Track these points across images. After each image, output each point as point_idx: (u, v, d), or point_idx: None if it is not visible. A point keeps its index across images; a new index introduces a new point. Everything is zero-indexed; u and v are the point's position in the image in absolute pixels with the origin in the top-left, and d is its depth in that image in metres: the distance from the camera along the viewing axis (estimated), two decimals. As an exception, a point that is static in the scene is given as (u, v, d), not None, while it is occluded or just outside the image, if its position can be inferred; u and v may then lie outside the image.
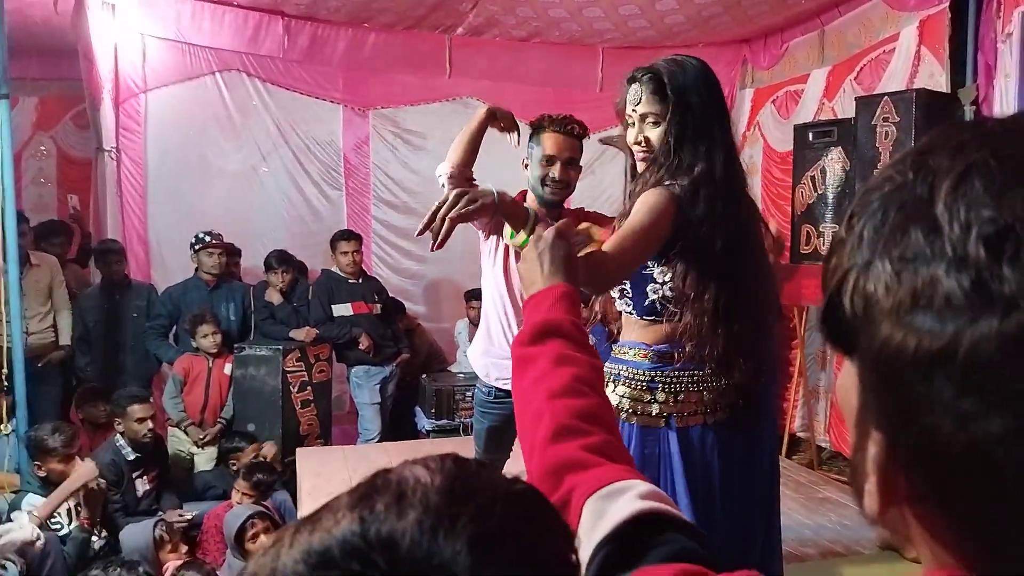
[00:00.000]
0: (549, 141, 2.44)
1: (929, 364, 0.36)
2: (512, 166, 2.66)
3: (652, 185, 1.70)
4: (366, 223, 5.83)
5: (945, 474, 0.37)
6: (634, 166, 1.84)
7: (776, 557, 1.91)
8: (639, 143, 1.76)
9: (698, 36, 5.55)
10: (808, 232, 4.48)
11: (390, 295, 5.16)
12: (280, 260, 4.76)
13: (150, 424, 3.81)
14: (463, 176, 2.38)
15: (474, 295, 4.99)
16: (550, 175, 2.43)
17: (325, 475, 3.88)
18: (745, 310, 1.72)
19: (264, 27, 5.50)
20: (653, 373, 1.76)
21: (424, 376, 5.08)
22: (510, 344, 2.55)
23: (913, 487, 0.40)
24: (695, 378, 1.75)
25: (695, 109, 1.71)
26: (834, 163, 4.31)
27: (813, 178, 4.44)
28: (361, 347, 4.64)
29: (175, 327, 4.68)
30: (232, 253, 4.99)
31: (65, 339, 4.68)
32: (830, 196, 4.34)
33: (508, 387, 2.55)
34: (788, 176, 4.87)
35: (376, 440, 4.64)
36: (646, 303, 1.77)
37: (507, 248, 2.53)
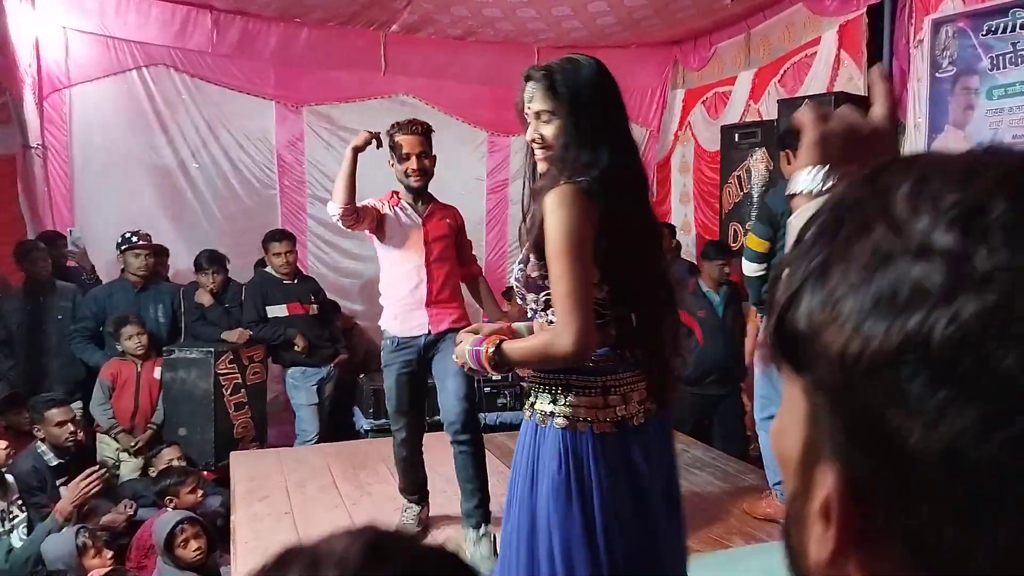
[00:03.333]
0: (403, 142, 2.98)
1: (897, 356, 0.33)
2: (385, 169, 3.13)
3: (551, 184, 1.66)
4: (301, 221, 5.77)
5: (915, 493, 0.34)
6: (533, 165, 1.82)
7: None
8: (535, 140, 1.75)
9: (630, 37, 5.65)
10: (735, 229, 4.63)
11: (327, 295, 5.12)
12: (211, 260, 4.66)
13: (71, 428, 3.69)
14: (353, 210, 2.88)
15: None
16: (410, 168, 2.98)
17: (260, 479, 3.84)
18: (654, 308, 1.77)
19: (192, 21, 5.39)
20: (606, 378, 1.72)
21: (362, 376, 5.06)
22: (420, 296, 2.95)
23: (872, 523, 0.36)
24: (631, 379, 1.74)
25: (590, 107, 1.70)
26: (758, 163, 4.47)
27: (739, 177, 4.59)
28: (297, 348, 4.59)
29: (102, 330, 4.54)
30: (159, 253, 4.87)
31: None
32: (755, 195, 4.50)
33: (414, 333, 3.02)
34: (717, 175, 5.02)
35: (314, 441, 4.60)
36: None
37: (428, 230, 3.05)
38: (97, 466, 3.35)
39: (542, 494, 1.69)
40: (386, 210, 3.07)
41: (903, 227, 0.35)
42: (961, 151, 0.38)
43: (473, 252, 3.44)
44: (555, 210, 1.62)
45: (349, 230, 3.13)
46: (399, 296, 3.09)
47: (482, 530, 2.91)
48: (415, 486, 3.23)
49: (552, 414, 1.72)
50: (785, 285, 0.39)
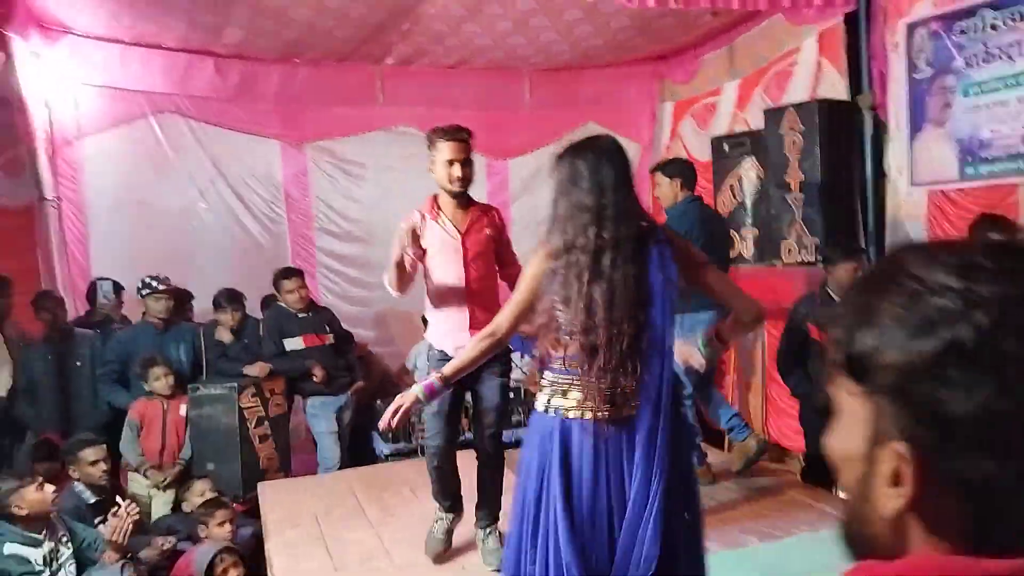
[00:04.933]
0: (447, 148, 3.00)
1: (942, 356, 0.54)
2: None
3: None
4: (311, 254, 5.93)
5: (959, 443, 0.53)
6: None
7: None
8: None
9: (616, 57, 5.83)
10: (731, 237, 4.76)
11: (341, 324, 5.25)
12: (229, 298, 4.82)
13: (104, 466, 3.87)
14: (406, 279, 3.03)
15: None
16: (454, 175, 3.01)
17: (288, 507, 3.98)
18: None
19: (195, 68, 5.56)
20: (554, 376, 2.22)
21: (379, 401, 5.18)
22: (464, 320, 3.12)
23: (930, 477, 0.55)
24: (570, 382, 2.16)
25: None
26: (749, 171, 4.62)
27: (732, 186, 4.74)
28: (315, 379, 4.73)
29: (127, 373, 4.69)
30: (183, 298, 5.03)
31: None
32: (748, 203, 4.65)
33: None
34: (711, 184, 5.17)
35: (336, 468, 4.72)
36: None
37: (467, 248, 3.08)
38: (127, 500, 3.48)
39: None
40: (425, 229, 3.05)
41: (923, 277, 0.57)
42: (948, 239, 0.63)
43: (514, 253, 3.32)
44: None
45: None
46: (444, 316, 3.14)
47: (490, 528, 3.23)
48: (448, 491, 3.25)
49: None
50: (842, 325, 0.61)
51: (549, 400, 2.20)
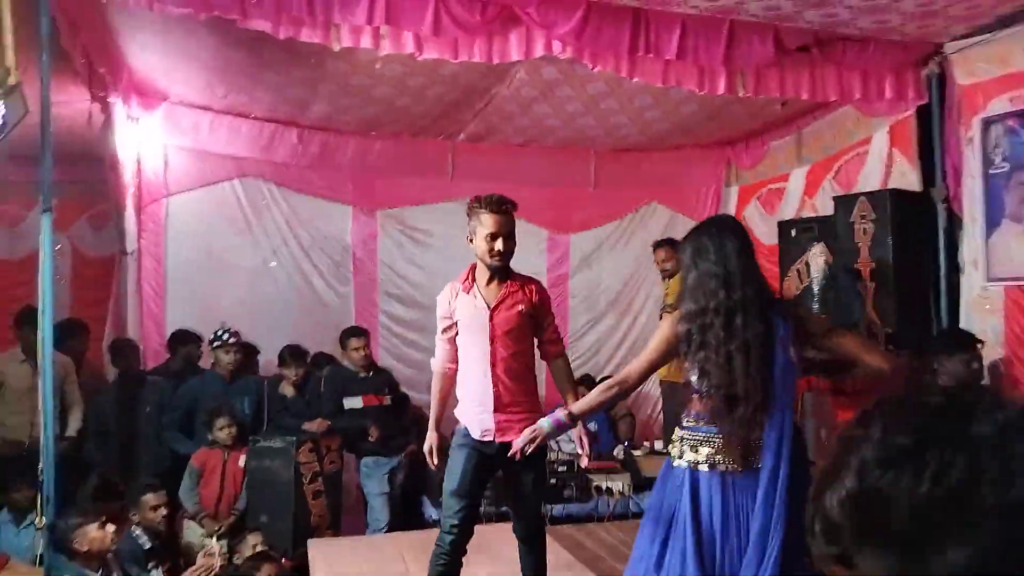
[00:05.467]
0: (489, 220, 2.84)
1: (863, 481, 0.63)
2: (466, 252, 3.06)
3: None
4: (373, 316, 6.06)
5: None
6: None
7: None
8: None
9: (683, 140, 5.94)
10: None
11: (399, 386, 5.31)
12: (293, 355, 4.94)
13: (164, 512, 3.93)
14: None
15: None
16: (495, 248, 2.85)
17: (338, 567, 3.95)
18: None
19: (279, 136, 5.83)
20: (683, 432, 2.46)
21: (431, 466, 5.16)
22: (488, 402, 3.03)
23: None
24: (701, 437, 2.39)
25: None
26: (817, 257, 4.59)
27: (799, 271, 4.71)
28: (371, 438, 4.76)
29: (192, 421, 4.79)
30: (250, 351, 5.18)
31: (70, 434, 4.69)
32: (815, 287, 4.60)
33: (485, 438, 2.94)
34: (776, 267, 5.14)
35: (385, 530, 4.70)
36: None
37: (494, 326, 2.90)
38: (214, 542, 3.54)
39: None
40: (456, 303, 2.93)
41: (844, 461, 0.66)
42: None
43: (557, 331, 3.10)
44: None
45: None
46: (469, 392, 2.96)
47: None
48: None
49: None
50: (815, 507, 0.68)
51: (682, 453, 2.39)
